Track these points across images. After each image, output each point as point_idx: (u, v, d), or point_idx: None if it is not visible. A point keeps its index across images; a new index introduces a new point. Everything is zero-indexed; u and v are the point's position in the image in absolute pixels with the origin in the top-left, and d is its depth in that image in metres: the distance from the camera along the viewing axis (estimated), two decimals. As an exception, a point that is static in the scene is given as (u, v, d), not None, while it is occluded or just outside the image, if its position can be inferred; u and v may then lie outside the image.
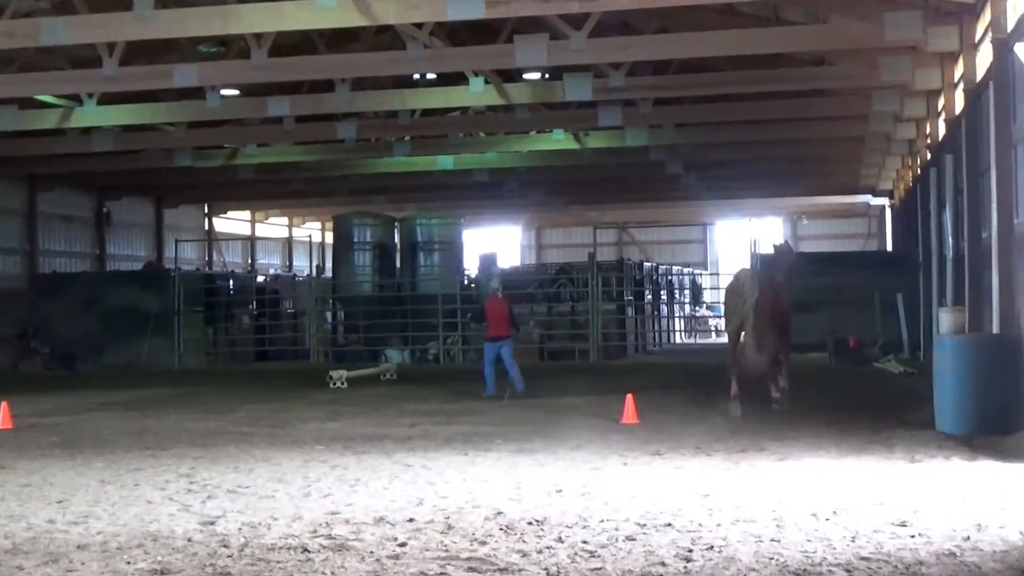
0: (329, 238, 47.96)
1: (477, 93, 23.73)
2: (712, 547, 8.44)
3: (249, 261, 50.32)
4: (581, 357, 32.98)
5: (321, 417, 18.65)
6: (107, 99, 25.25)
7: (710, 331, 47.46)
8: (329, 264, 42.06)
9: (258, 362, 36.47)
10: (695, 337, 46.84)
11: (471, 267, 39.63)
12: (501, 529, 9.26)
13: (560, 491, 11.00)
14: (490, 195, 44.19)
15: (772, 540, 8.65)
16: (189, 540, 9.09)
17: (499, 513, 9.97)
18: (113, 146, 29.09)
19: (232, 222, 50.05)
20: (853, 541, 8.58)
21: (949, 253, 22.72)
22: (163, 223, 44.10)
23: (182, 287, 35.31)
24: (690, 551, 8.33)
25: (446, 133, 31.99)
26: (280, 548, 8.71)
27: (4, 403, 18.16)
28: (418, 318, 34.94)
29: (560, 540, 8.77)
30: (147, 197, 43.05)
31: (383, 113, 28.84)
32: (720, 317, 47.22)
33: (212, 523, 9.81)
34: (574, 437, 15.16)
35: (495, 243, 56.38)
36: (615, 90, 23.23)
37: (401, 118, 27.99)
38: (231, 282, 40.12)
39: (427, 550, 8.54)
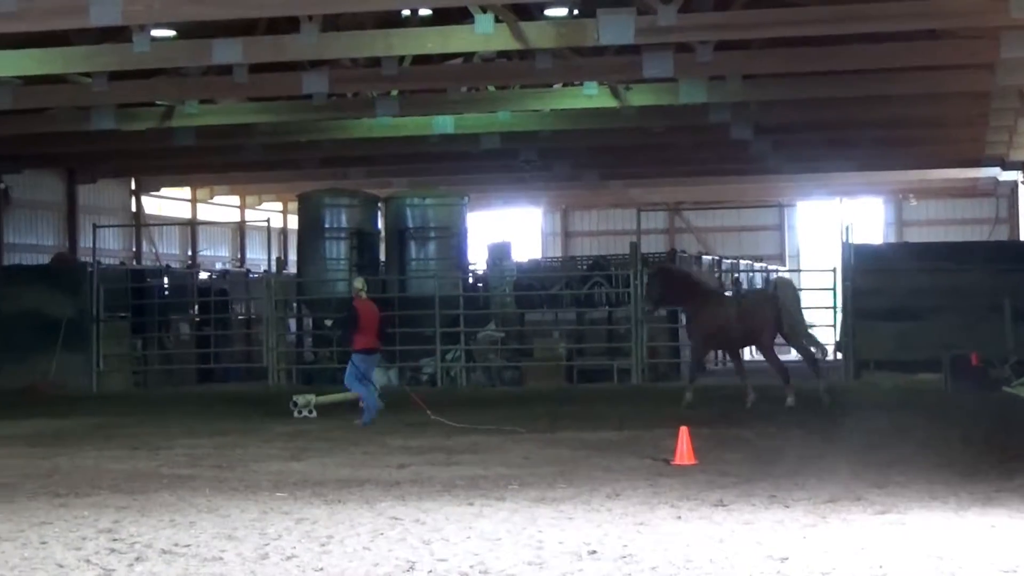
0: (293, 223, 48.04)
1: (485, 35, 23.69)
2: (792, 626, 8.44)
3: (189, 253, 50.43)
4: (621, 378, 32.97)
5: (283, 456, 18.65)
6: (4, 42, 25.29)
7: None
8: (293, 257, 42.11)
9: (201, 384, 36.49)
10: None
11: (477, 261, 39.67)
12: (517, 602, 9.29)
13: (594, 553, 11.00)
14: (502, 167, 44.17)
15: (870, 617, 8.65)
16: (112, 615, 9.12)
17: (514, 581, 9.99)
18: (12, 104, 29.12)
19: (167, 202, 50.15)
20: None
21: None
22: (77, 203, 44.18)
23: (102, 287, 35.37)
24: (763, 631, 8.34)
25: (444, 87, 31.99)
26: (230, 626, 8.75)
27: None
28: (409, 327, 34.96)
29: (594, 616, 8.79)
30: (56, 170, 43.13)
31: (363, 61, 28.82)
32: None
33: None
34: (611, 482, 15.16)
35: (508, 230, 56.40)
36: (665, 30, 23.21)
37: (386, 67, 27.96)
38: (166, 280, 40.17)
39: (421, 629, 8.57)
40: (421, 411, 23.01)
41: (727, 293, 30.50)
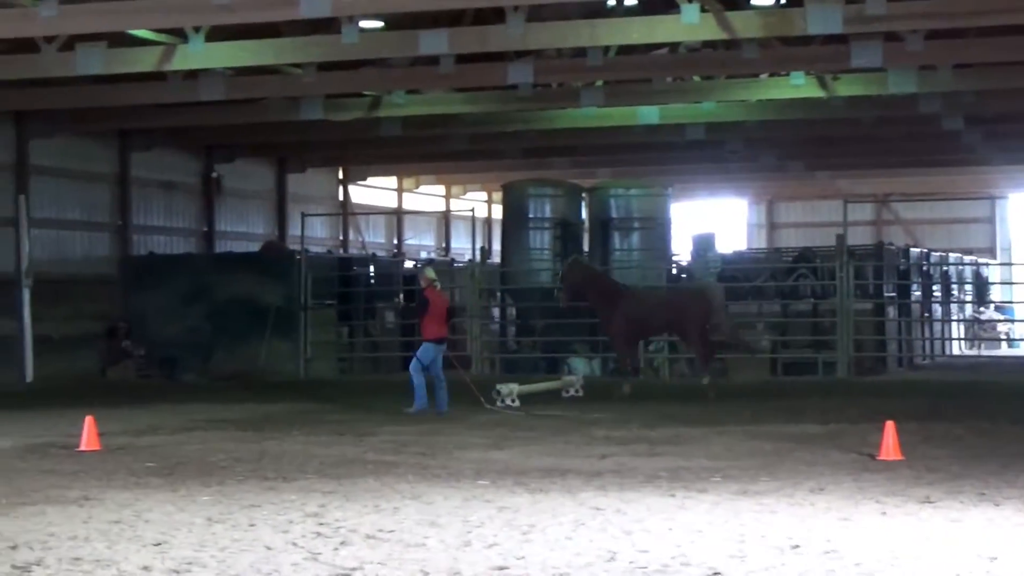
0: (497, 212, 48.29)
1: (691, 25, 23.57)
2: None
3: (395, 241, 50.99)
4: (826, 371, 32.61)
5: (485, 444, 18.82)
6: (218, 34, 25.77)
7: (999, 339, 46.49)
8: (497, 246, 42.34)
9: (405, 371, 36.84)
10: (979, 347, 45.91)
11: (681, 251, 39.51)
12: (718, 595, 9.25)
13: (796, 547, 10.90)
14: (707, 157, 43.95)
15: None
16: (317, 598, 9.28)
17: (716, 574, 9.93)
18: (224, 94, 29.67)
19: (373, 191, 50.77)
20: None
21: None
22: (286, 192, 44.93)
23: (310, 275, 35.93)
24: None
25: (650, 77, 31.89)
26: (432, 611, 8.83)
27: (89, 418, 18.76)
28: (612, 317, 34.95)
29: (796, 611, 8.72)
30: (267, 159, 43.91)
31: (568, 51, 28.86)
32: (1012, 321, 46.41)
33: (346, 577, 10.01)
34: (814, 476, 15.02)
35: (713, 220, 56.10)
36: (874, 19, 22.87)
37: (591, 57, 27.97)
38: (372, 268, 40.62)
39: (621, 619, 8.57)
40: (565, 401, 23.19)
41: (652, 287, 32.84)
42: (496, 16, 25.23)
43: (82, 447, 18.32)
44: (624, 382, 27.08)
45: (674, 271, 37.07)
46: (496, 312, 38.94)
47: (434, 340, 23.69)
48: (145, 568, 10.34)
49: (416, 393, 23.58)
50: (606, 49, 28.26)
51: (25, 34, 23.75)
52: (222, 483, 14.99)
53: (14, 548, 11.14)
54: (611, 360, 34.26)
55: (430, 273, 24.55)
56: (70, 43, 24.64)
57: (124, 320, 35.90)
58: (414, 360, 23.87)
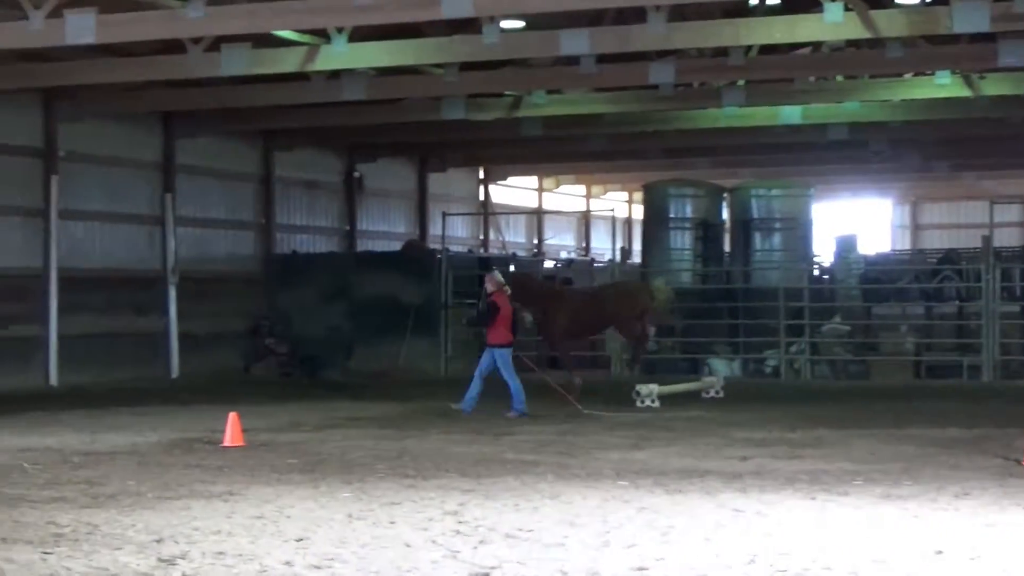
0: (637, 212, 48.25)
1: (834, 24, 23.34)
2: None
3: (535, 241, 51.09)
4: (971, 375, 32.18)
5: (624, 444, 18.81)
6: (360, 35, 25.99)
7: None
8: (637, 246, 42.29)
9: (545, 370, 36.93)
10: None
11: (823, 252, 39.18)
12: (860, 600, 9.17)
13: (940, 553, 10.78)
14: (850, 158, 43.56)
15: None
16: (457, 595, 9.33)
17: (857, 578, 9.87)
18: (366, 94, 29.89)
19: (514, 191, 50.93)
20: None
21: None
22: (427, 191, 45.21)
23: (451, 273, 36.13)
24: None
25: (792, 77, 31.65)
26: (571, 611, 8.84)
27: (233, 414, 19.02)
28: (753, 318, 34.77)
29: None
30: (408, 158, 44.22)
31: (709, 51, 28.72)
32: None
33: (485, 575, 10.03)
34: (958, 481, 14.83)
35: (856, 221, 55.58)
36: (1022, 17, 22.52)
37: (733, 57, 27.80)
38: (512, 268, 40.72)
39: (761, 622, 8.53)
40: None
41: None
42: (637, 16, 25.14)
43: (226, 443, 18.59)
44: (573, 378, 26.68)
45: (816, 272, 36.76)
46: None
47: (504, 345, 23.44)
48: (287, 563, 10.46)
49: (470, 394, 23.46)
50: (748, 48, 28.07)
51: (172, 35, 24.11)
52: (362, 480, 15.12)
53: (159, 541, 11.33)
54: (751, 361, 34.11)
55: (499, 277, 24.24)
56: (216, 44, 24.99)
57: (267, 318, 36.34)
58: (502, 366, 23.40)
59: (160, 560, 10.55)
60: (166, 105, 32.49)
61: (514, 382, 23.32)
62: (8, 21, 22.72)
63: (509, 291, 23.91)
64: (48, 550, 10.92)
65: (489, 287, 23.88)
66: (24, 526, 12.04)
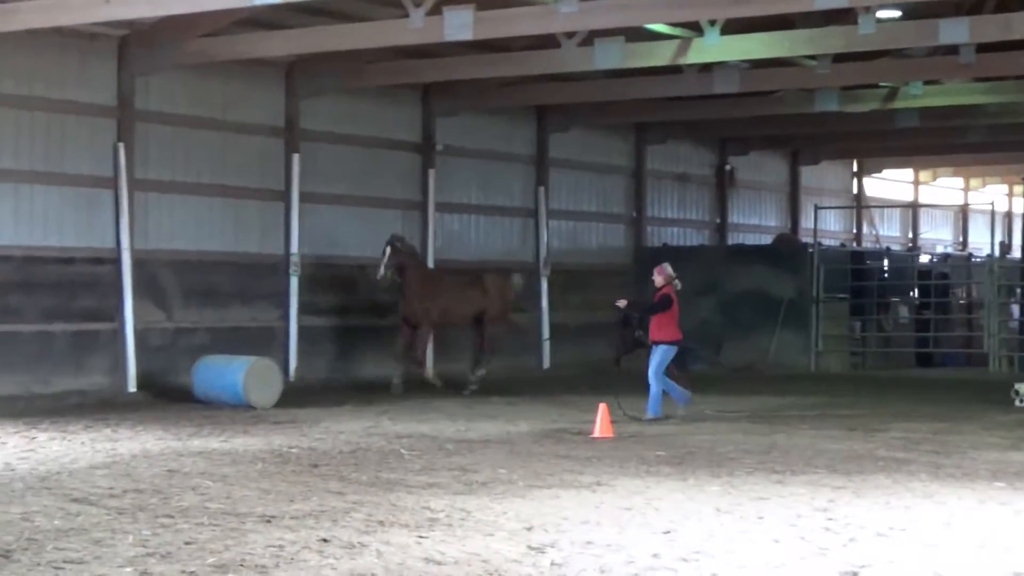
0: (1018, 206, 46.87)
1: None
2: None
3: (910, 235, 50.12)
4: None
5: (1002, 444, 18.34)
6: (732, 27, 25.88)
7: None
8: (1017, 241, 41.09)
9: (918, 367, 36.25)
10: None
11: None
12: None
13: None
14: None
15: None
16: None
17: None
18: (738, 87, 29.82)
19: (887, 184, 50.04)
20: None
21: None
22: (799, 184, 44.77)
23: (822, 267, 35.76)
24: None
25: None
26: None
27: (603, 405, 19.23)
28: None
29: None
30: (780, 151, 43.87)
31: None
32: None
33: (854, 573, 9.92)
34: None
35: None
36: None
37: (1123, 43, 26.78)
38: (885, 262, 40.15)
39: None
40: None
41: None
42: (1020, 3, 24.43)
43: (595, 434, 18.81)
44: (480, 369, 27.07)
45: None
46: (1015, 309, 37.77)
47: (673, 342, 22.35)
48: (655, 555, 10.51)
49: (672, 394, 22.28)
50: None
51: (546, 30, 24.45)
52: (731, 474, 15.11)
53: (529, 529, 11.52)
54: None
55: (670, 269, 22.65)
56: (589, 39, 25.25)
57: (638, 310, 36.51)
58: (654, 366, 22.24)
59: (530, 548, 10.73)
60: (540, 100, 32.96)
61: (657, 385, 22.12)
62: (390, 19, 23.46)
63: (679, 285, 22.68)
64: (423, 534, 11.24)
65: (659, 280, 22.56)
66: (400, 510, 12.41)
